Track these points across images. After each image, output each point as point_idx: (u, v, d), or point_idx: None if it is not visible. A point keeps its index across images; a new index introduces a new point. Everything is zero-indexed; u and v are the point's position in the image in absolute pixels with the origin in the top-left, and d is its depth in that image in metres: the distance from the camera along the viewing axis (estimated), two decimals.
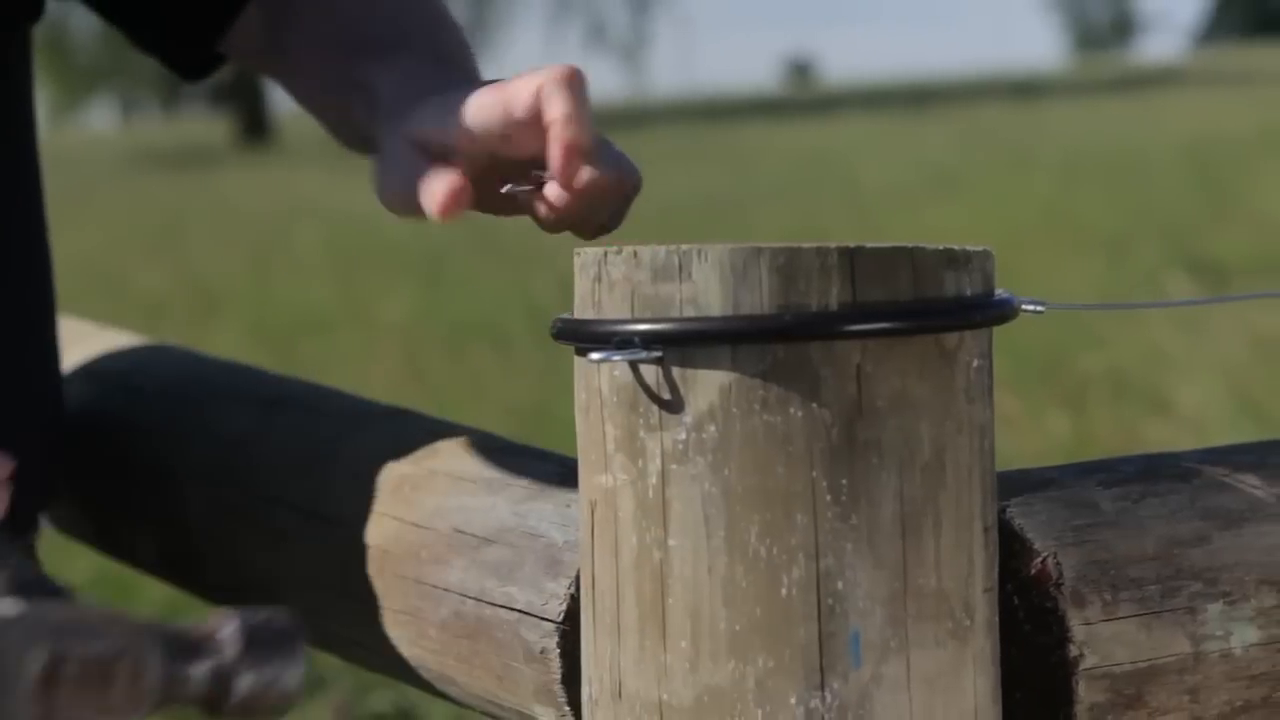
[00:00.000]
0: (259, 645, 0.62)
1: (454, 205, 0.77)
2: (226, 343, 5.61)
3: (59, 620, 0.58)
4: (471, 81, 0.85)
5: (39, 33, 1.05)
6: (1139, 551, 0.75)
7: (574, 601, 0.76)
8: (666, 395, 0.69)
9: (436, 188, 0.78)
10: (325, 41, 0.96)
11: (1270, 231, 7.39)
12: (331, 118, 0.96)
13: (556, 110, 0.76)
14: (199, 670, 0.61)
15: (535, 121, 0.77)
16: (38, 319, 1.02)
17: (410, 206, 0.80)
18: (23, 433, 0.98)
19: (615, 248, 0.71)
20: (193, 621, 0.62)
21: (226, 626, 0.62)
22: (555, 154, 0.76)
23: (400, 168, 0.81)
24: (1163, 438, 3.91)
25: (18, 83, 1.01)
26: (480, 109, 0.79)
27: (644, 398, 0.69)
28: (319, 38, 0.96)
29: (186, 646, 0.61)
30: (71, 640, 0.58)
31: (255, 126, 25.00)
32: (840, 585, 0.68)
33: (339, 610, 0.94)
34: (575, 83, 0.76)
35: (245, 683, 0.61)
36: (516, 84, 0.78)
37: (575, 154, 0.75)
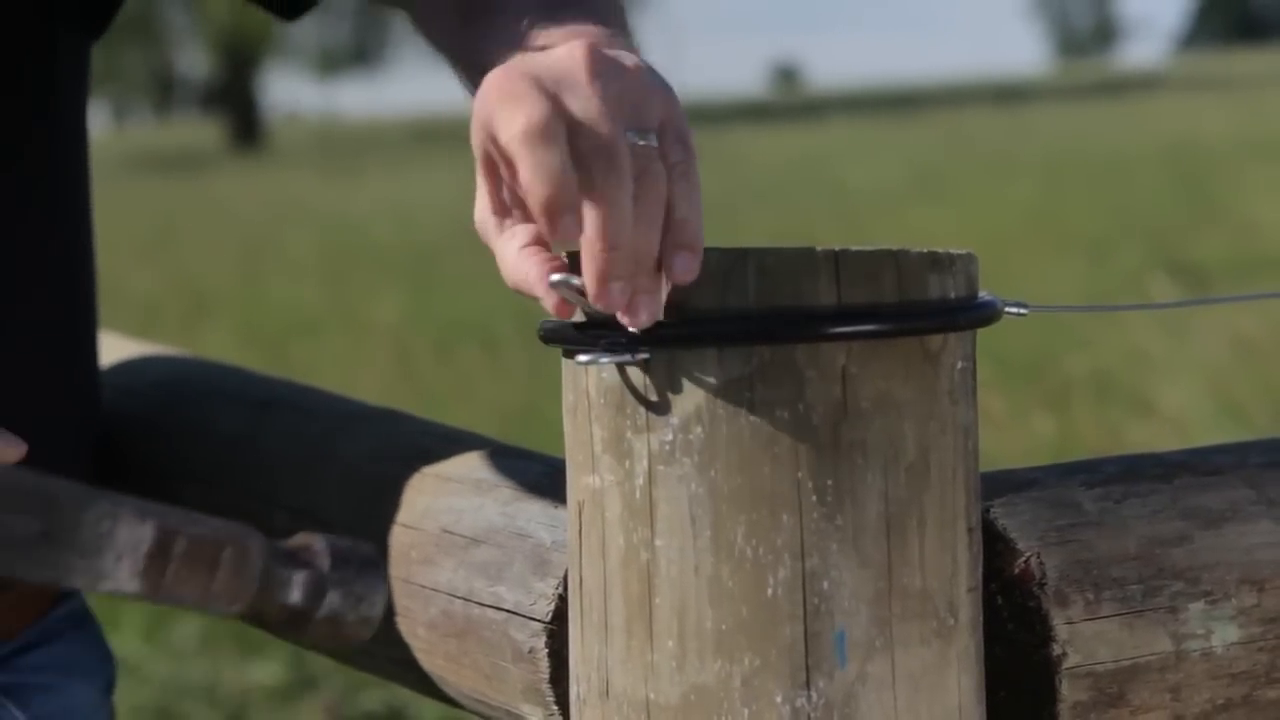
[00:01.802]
0: (346, 565, 0.63)
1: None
2: (218, 345, 5.61)
3: (169, 508, 0.59)
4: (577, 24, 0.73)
5: None
6: (1121, 551, 0.75)
7: (562, 601, 0.77)
8: (653, 397, 0.69)
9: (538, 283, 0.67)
10: (439, 7, 0.86)
11: (1251, 234, 7.42)
12: (472, 89, 0.82)
13: (521, 177, 0.65)
14: (295, 575, 0.61)
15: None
16: (85, 340, 1.02)
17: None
18: (69, 449, 0.99)
19: None
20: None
21: (317, 543, 0.63)
22: (588, 274, 0.66)
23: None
24: (1145, 438, 3.93)
25: (77, 99, 1.00)
26: (477, 138, 0.68)
27: (631, 399, 0.70)
28: (436, 3, 0.86)
29: (283, 553, 0.62)
30: (181, 521, 0.59)
31: (247, 130, 24.98)
32: (826, 585, 0.68)
33: None
34: (538, 139, 0.64)
35: (334, 597, 0.62)
36: (495, 128, 0.66)
37: (554, 215, 0.65)
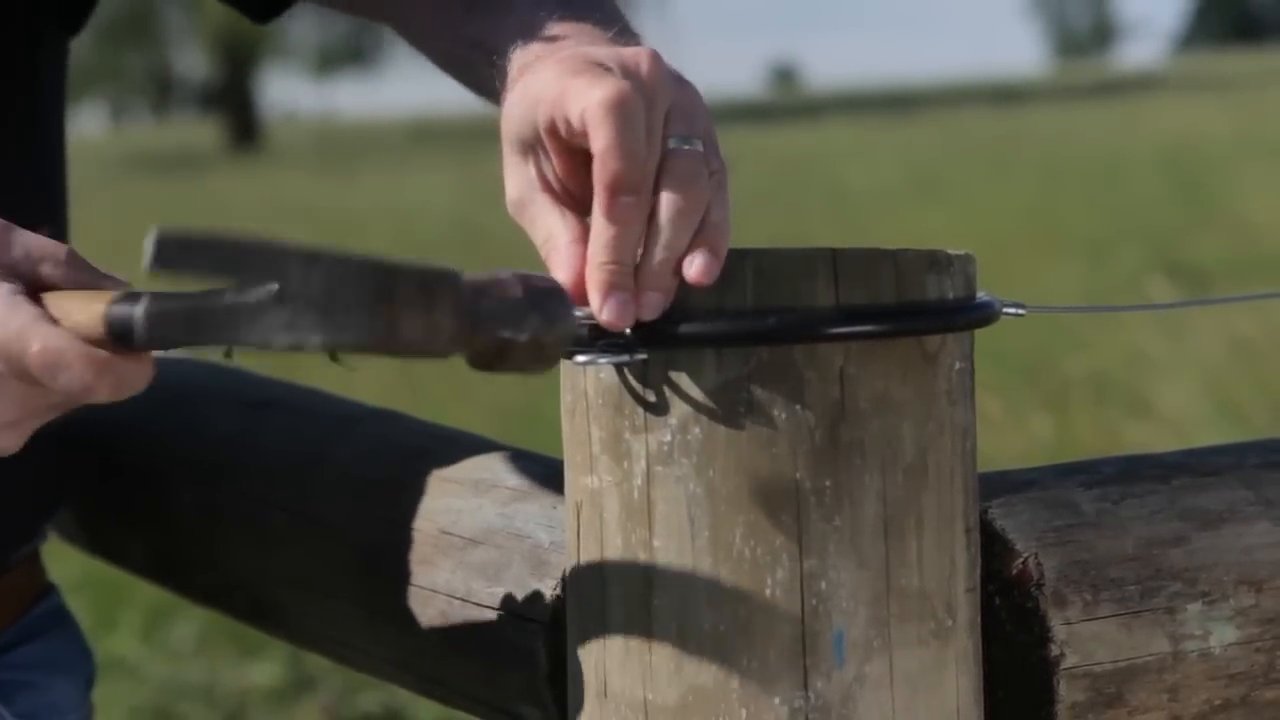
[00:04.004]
0: (537, 291, 0.64)
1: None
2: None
3: (366, 255, 0.61)
4: (591, 32, 0.75)
5: None
6: (1119, 552, 0.75)
7: (560, 602, 0.77)
8: (651, 397, 0.69)
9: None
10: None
11: (1249, 235, 7.43)
12: (462, 80, 0.87)
13: (597, 143, 0.66)
14: (494, 305, 0.63)
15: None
16: None
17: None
18: (37, 441, 0.99)
19: None
20: None
21: (506, 274, 0.64)
22: (591, 286, 0.68)
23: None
24: (1143, 439, 3.93)
25: (57, 93, 1.01)
26: (526, 120, 0.70)
27: (629, 400, 0.70)
28: None
29: (481, 286, 0.63)
30: (395, 267, 0.60)
31: (244, 130, 24.97)
32: (824, 585, 0.69)
33: (327, 611, 0.94)
34: (620, 109, 0.65)
35: (534, 320, 0.63)
36: (567, 101, 0.67)
37: (618, 191, 0.66)
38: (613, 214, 0.66)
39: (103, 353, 0.65)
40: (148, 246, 0.60)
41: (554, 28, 0.76)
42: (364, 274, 0.60)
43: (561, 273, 0.69)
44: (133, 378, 0.66)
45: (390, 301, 0.60)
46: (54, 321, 0.66)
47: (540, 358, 0.65)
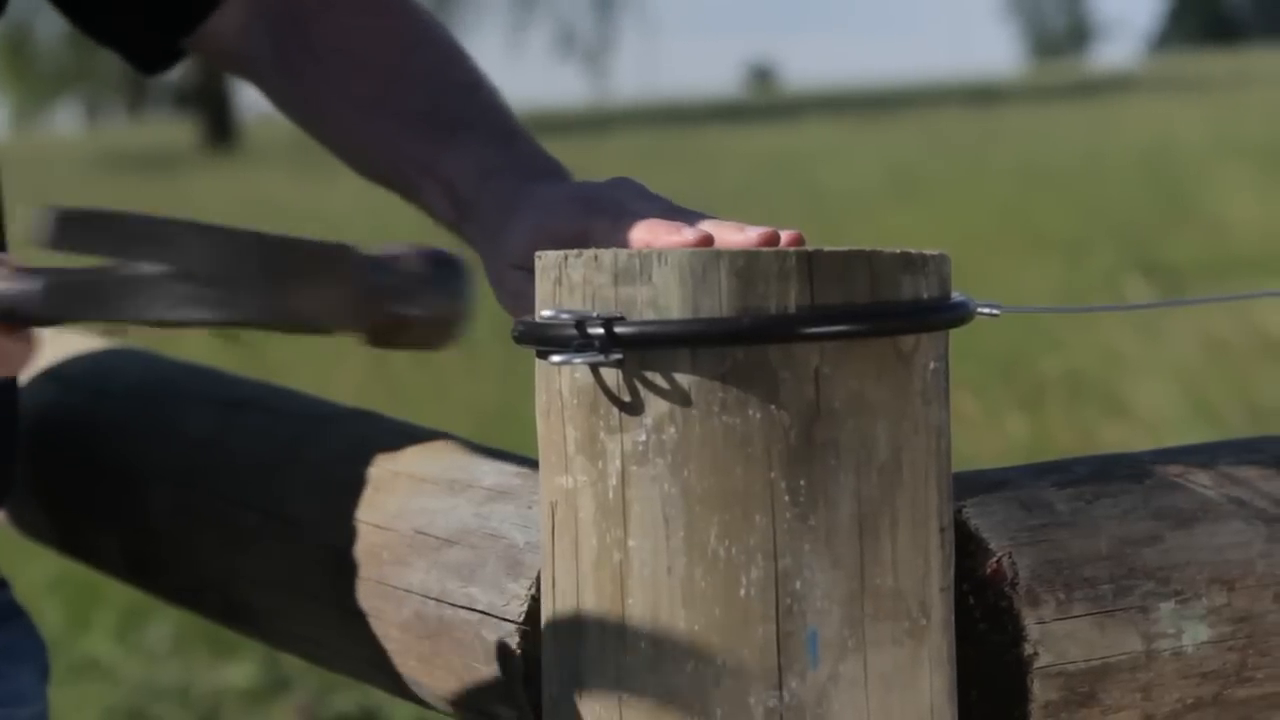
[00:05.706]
0: (437, 267, 0.66)
1: None
2: (191, 345, 5.57)
3: (275, 235, 0.62)
4: (545, 171, 0.88)
5: (2, 35, 1.05)
6: (1093, 551, 0.76)
7: (535, 602, 0.77)
8: (626, 397, 0.70)
9: None
10: (365, 104, 0.95)
11: (1224, 235, 7.46)
12: (387, 185, 0.97)
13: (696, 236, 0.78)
14: (390, 280, 0.64)
15: None
16: None
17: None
18: None
19: (576, 251, 0.72)
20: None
21: (405, 248, 0.65)
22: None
23: (515, 294, 0.85)
24: (1119, 439, 3.95)
25: None
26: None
27: (604, 400, 0.70)
28: (354, 98, 0.96)
29: (376, 263, 0.64)
30: (287, 241, 0.62)
31: (221, 130, 24.86)
32: (798, 585, 0.69)
33: (301, 611, 0.94)
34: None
35: (431, 298, 0.65)
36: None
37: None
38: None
39: None
40: (45, 223, 0.60)
41: (506, 171, 0.88)
42: (256, 248, 0.61)
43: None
44: (17, 356, 0.66)
45: (282, 275, 0.61)
46: None
47: (440, 334, 0.66)
